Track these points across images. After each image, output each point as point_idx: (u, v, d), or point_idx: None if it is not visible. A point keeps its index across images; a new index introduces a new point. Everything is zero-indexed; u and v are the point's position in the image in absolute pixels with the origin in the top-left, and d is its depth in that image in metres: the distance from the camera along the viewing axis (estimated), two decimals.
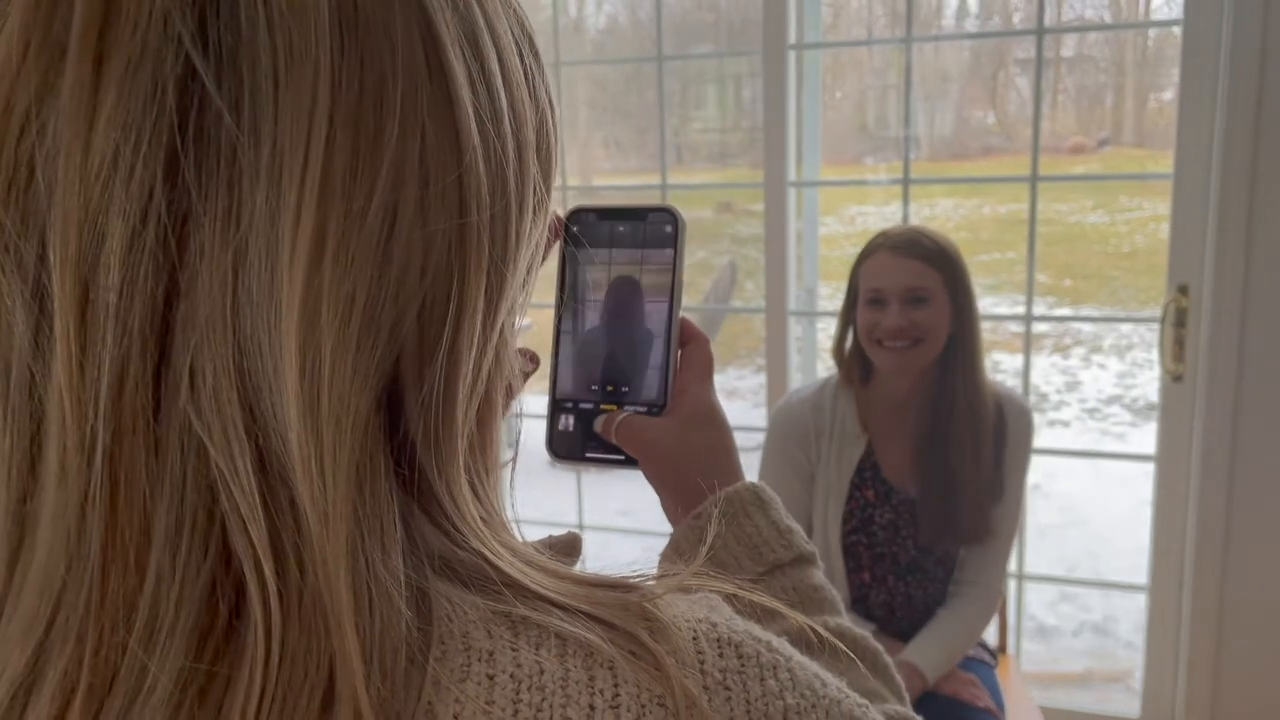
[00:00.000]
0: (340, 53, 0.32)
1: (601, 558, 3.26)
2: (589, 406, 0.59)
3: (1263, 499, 2.12)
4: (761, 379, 2.63)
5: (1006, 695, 1.65)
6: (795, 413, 1.61)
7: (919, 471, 1.57)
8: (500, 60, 0.36)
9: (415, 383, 0.35)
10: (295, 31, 0.31)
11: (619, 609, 0.36)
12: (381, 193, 0.33)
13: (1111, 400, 6.38)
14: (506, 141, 0.36)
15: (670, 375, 0.57)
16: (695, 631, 0.36)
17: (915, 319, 1.51)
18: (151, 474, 0.31)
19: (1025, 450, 1.61)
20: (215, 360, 0.31)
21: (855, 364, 1.59)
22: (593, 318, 0.57)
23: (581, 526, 2.92)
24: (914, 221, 1.74)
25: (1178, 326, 2.18)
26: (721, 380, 7.24)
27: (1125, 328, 7.64)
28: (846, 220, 12.68)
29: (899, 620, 1.63)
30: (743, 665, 0.35)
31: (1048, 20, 2.33)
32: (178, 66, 0.31)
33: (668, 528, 0.62)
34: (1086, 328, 8.05)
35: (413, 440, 0.36)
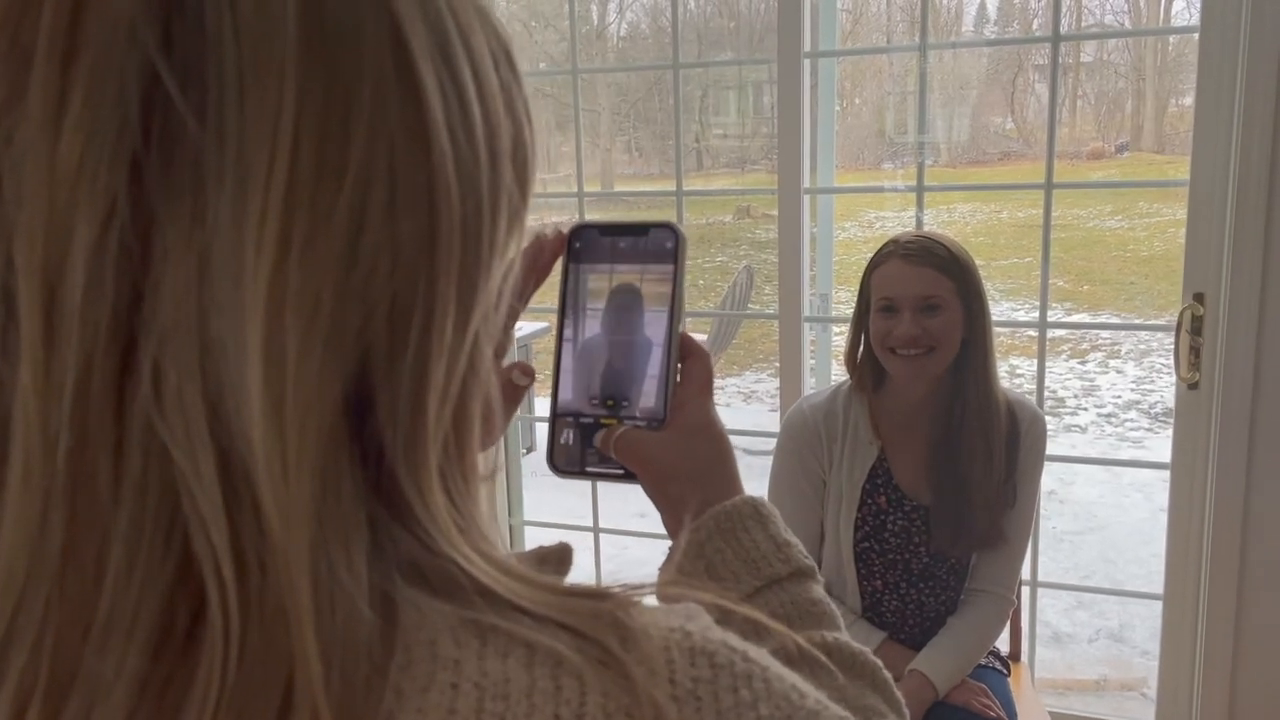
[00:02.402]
0: (307, 59, 0.32)
1: (618, 559, 3.28)
2: (589, 420, 0.60)
3: (1279, 506, 2.11)
4: (778, 383, 2.64)
5: (1019, 704, 1.65)
6: (808, 419, 1.62)
7: (931, 478, 1.58)
8: (474, 70, 0.37)
9: (385, 385, 0.35)
10: (261, 38, 0.32)
11: (590, 617, 0.35)
12: (348, 195, 0.33)
13: (1129, 406, 6.35)
14: (479, 149, 0.37)
15: (670, 389, 0.58)
16: (667, 640, 0.35)
17: (928, 327, 1.51)
18: (113, 476, 0.31)
19: (1038, 457, 1.61)
20: (179, 362, 0.31)
21: (867, 371, 1.60)
22: (593, 331, 0.58)
23: (597, 529, 2.93)
24: (931, 226, 1.74)
25: (1193, 334, 2.17)
26: (739, 383, 7.24)
27: (1144, 333, 7.59)
28: (865, 225, 12.65)
29: (911, 628, 1.63)
30: (715, 675, 0.35)
31: (1067, 26, 2.33)
32: (142, 73, 0.31)
33: None
34: (1104, 333, 8.01)
35: (384, 444, 0.35)
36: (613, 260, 0.56)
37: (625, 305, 0.57)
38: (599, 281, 0.57)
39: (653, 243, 0.56)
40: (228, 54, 0.31)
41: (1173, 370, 2.19)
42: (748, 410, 6.52)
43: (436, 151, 0.35)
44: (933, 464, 1.58)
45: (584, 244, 0.57)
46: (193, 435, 0.31)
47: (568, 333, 0.58)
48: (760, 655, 0.37)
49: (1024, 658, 1.93)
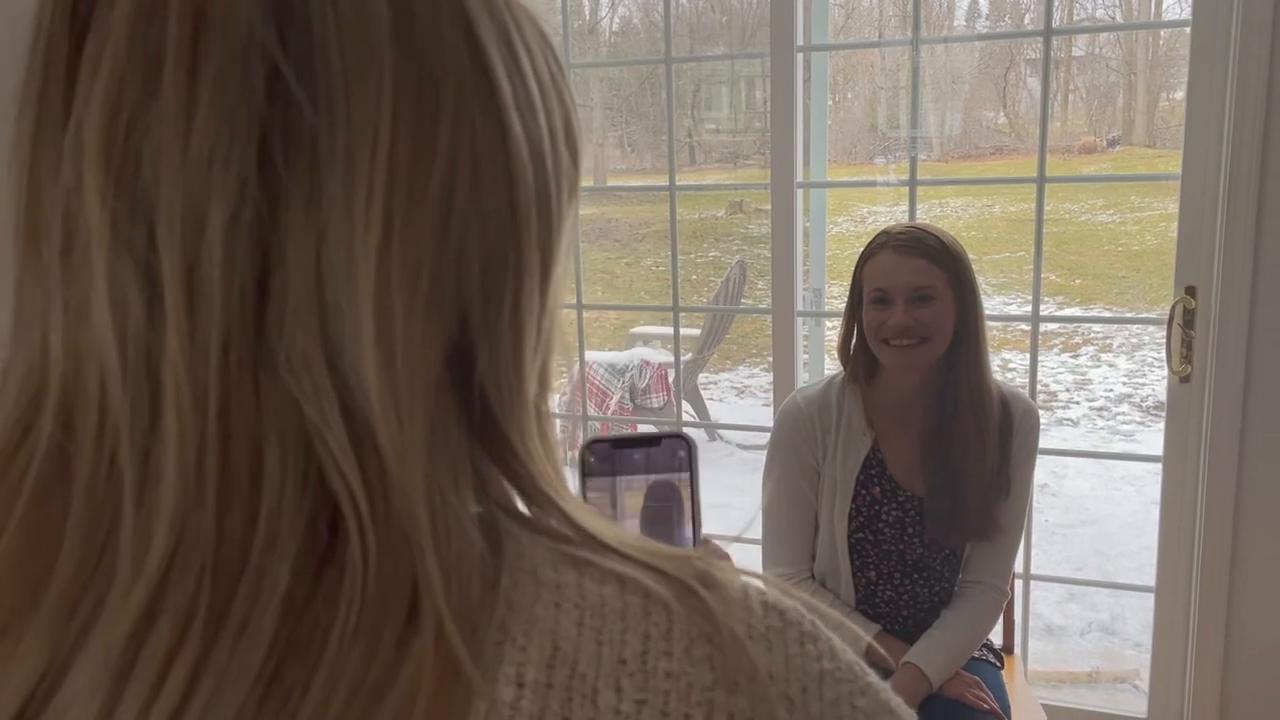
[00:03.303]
0: (399, 54, 0.36)
1: None
2: None
3: (1271, 500, 2.12)
4: (772, 377, 2.64)
5: (1012, 697, 1.66)
6: (801, 411, 1.62)
7: (925, 468, 1.58)
8: (531, 61, 0.41)
9: (484, 341, 0.39)
10: (360, 35, 0.36)
11: (676, 561, 0.39)
12: (438, 176, 0.37)
13: (1121, 399, 6.37)
14: (541, 129, 0.41)
15: None
16: (746, 589, 0.39)
17: (920, 317, 1.51)
18: (257, 426, 0.35)
19: (1031, 448, 1.62)
20: (304, 326, 0.35)
21: (860, 362, 1.60)
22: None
23: None
24: (923, 220, 1.74)
25: (1185, 327, 2.18)
26: (733, 378, 7.24)
27: (1135, 326, 7.62)
28: (857, 219, 12.66)
29: (904, 619, 1.64)
30: (785, 626, 0.39)
31: (1059, 21, 2.34)
32: (264, 67, 0.35)
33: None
34: (1096, 326, 8.03)
35: (486, 394, 0.40)
36: (628, 472, 0.57)
37: (647, 516, 0.58)
38: (616, 494, 0.58)
39: (664, 452, 0.57)
40: (333, 50, 0.35)
41: (1164, 364, 2.20)
42: (741, 405, 6.53)
43: (511, 135, 0.39)
44: (926, 454, 1.58)
45: (597, 459, 0.59)
46: (319, 389, 0.35)
47: None
48: (826, 628, 0.41)
49: (1017, 650, 1.94)
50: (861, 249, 1.60)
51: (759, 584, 0.40)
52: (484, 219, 0.38)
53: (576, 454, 0.59)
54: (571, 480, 0.58)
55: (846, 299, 1.63)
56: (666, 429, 0.60)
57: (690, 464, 0.58)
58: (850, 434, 1.60)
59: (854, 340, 1.61)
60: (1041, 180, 2.30)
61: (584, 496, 0.59)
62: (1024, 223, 11.62)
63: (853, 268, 1.61)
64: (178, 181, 0.34)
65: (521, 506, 0.41)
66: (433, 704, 0.34)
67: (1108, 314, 8.79)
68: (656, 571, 0.39)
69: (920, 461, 1.58)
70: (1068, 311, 8.69)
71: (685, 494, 0.57)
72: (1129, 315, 8.80)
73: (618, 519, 0.58)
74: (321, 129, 0.35)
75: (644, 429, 4.93)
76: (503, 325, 0.40)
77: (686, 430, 0.58)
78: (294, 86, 0.35)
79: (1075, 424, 5.96)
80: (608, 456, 0.59)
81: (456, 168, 0.37)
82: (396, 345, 0.36)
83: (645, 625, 0.37)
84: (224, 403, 0.35)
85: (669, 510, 0.58)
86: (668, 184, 2.66)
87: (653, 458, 0.58)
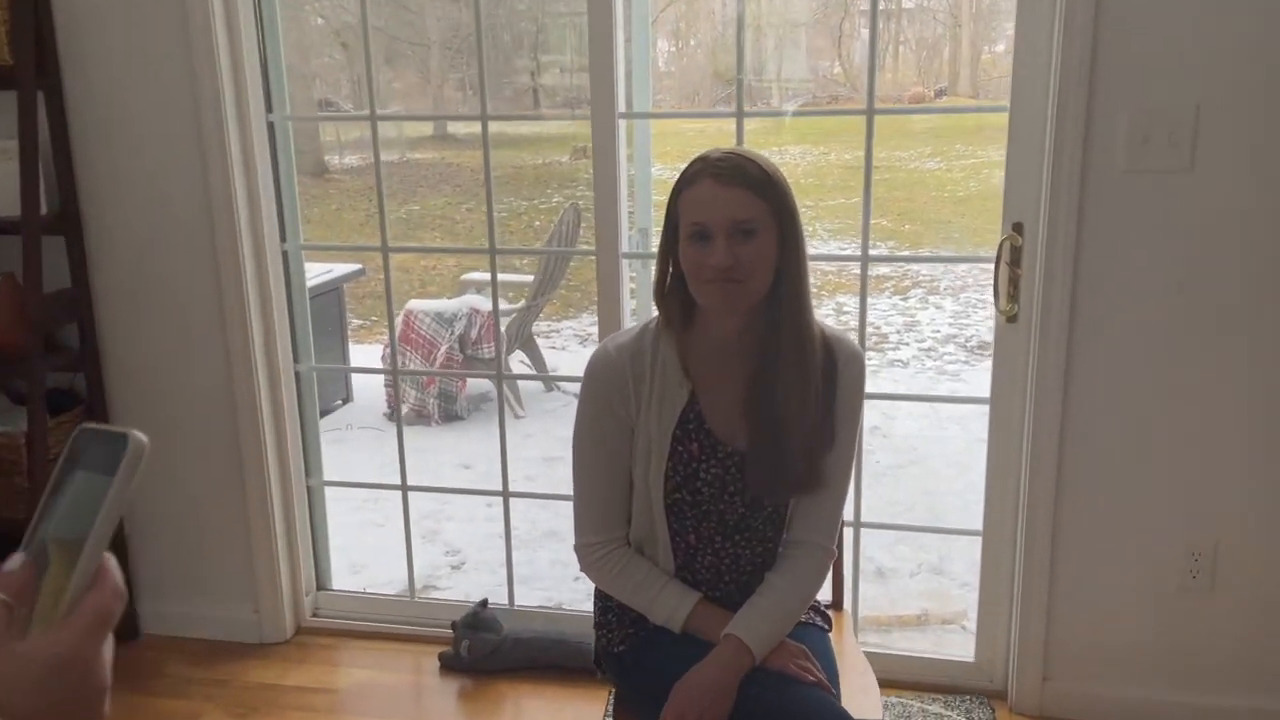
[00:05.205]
0: None
1: (437, 515, 3.06)
2: None
3: (1094, 437, 2.11)
4: (597, 321, 2.48)
5: (840, 659, 1.56)
6: (612, 360, 1.45)
7: (746, 420, 1.44)
8: None
9: None
10: None
11: None
12: None
13: (947, 340, 6.54)
14: None
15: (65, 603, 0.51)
16: None
17: (742, 254, 1.36)
18: None
19: (857, 396, 1.51)
20: None
21: (675, 305, 1.44)
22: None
23: (406, 488, 2.71)
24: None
25: (1012, 266, 2.12)
26: (576, 326, 7.06)
27: (961, 268, 7.84)
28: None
29: (727, 584, 1.51)
30: None
31: None
32: None
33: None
34: (924, 269, 8.24)
35: None
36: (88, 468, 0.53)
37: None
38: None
39: (104, 452, 0.53)
40: None
41: (988, 305, 2.15)
42: (585, 353, 6.32)
43: None
44: (747, 404, 1.44)
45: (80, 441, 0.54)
46: None
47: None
48: None
49: (847, 605, 1.85)
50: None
51: None
52: None
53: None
54: None
55: (661, 234, 1.46)
56: (121, 428, 0.48)
57: (117, 468, 0.51)
58: (666, 385, 1.44)
59: (668, 281, 1.45)
60: (870, 112, 2.20)
61: (55, 487, 0.53)
62: (857, 169, 11.73)
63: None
64: None
65: None
66: None
67: (938, 255, 9.04)
68: None
69: (741, 412, 1.44)
70: (902, 253, 8.89)
71: (106, 497, 0.51)
72: (956, 255, 9.05)
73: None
74: None
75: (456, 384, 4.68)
76: None
77: (137, 432, 0.51)
78: None
79: (905, 365, 6.09)
80: (88, 442, 0.53)
81: None
82: None
83: None
84: None
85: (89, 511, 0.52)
86: (494, 127, 2.43)
87: (90, 455, 0.52)
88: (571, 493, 1.53)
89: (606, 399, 1.45)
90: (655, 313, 1.48)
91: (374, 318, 7.05)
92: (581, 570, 1.53)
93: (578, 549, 1.52)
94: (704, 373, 1.45)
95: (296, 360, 2.62)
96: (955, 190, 11.68)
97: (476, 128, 2.41)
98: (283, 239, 2.53)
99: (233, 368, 2.48)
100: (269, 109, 2.45)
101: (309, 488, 2.69)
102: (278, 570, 2.61)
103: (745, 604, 1.46)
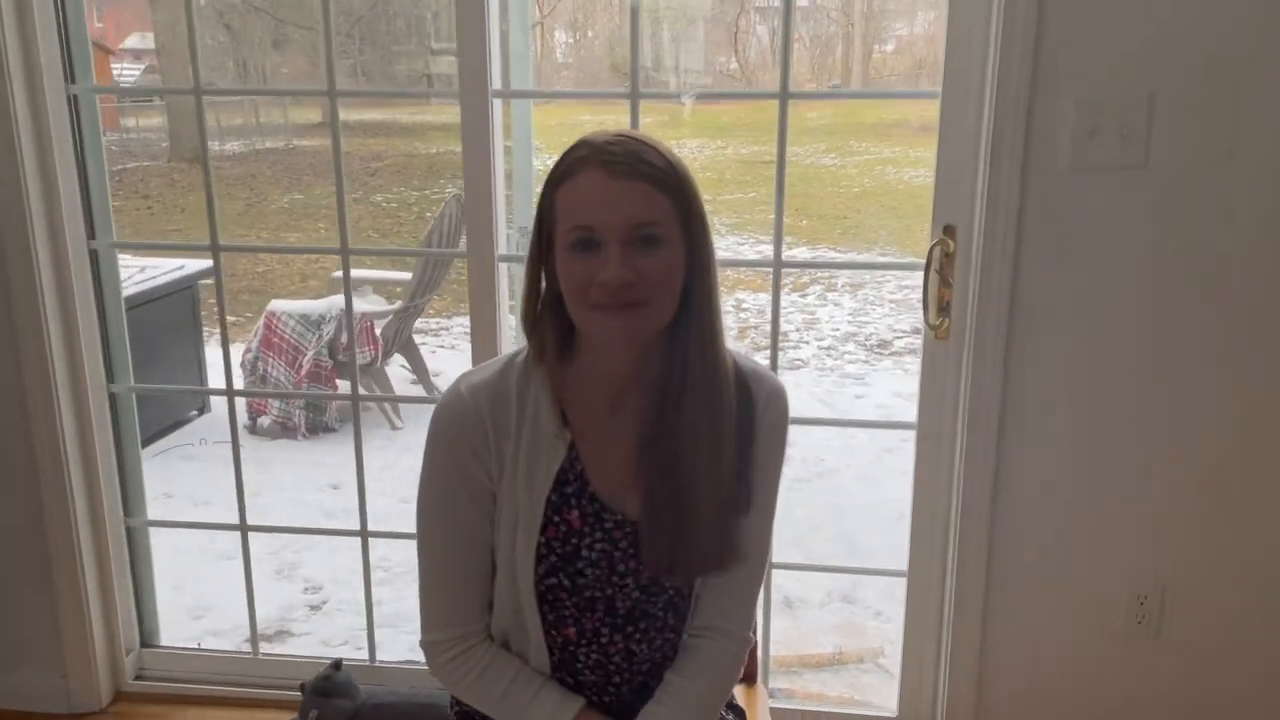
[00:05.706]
0: None
1: (289, 549, 2.62)
2: None
3: (1033, 470, 1.87)
4: (470, 338, 2.14)
5: None
6: (466, 406, 1.11)
7: (642, 480, 1.12)
8: None
9: None
10: None
11: None
12: None
13: (847, 338, 6.40)
14: None
15: None
16: None
17: (644, 268, 1.04)
18: None
19: (779, 447, 1.21)
20: None
21: (550, 332, 1.11)
22: None
23: (245, 527, 2.32)
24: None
25: (942, 274, 1.87)
26: (467, 323, 6.67)
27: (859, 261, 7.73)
28: None
29: (618, 687, 1.19)
30: None
31: None
32: None
33: None
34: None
35: None
36: None
37: None
38: None
39: None
40: None
41: (884, 303, 1.89)
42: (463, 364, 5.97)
43: None
44: (643, 461, 1.12)
45: None
46: None
47: None
48: None
49: (759, 680, 1.56)
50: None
51: None
52: None
53: None
54: None
55: (531, 240, 1.12)
56: None
57: None
58: (537, 437, 1.11)
59: (539, 301, 1.12)
60: (784, 95, 1.92)
61: None
62: (755, 164, 11.75)
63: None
64: None
65: None
66: None
67: (834, 254, 8.92)
68: None
69: (634, 471, 1.12)
70: (797, 251, 8.73)
71: None
72: (887, 260, 8.85)
73: None
74: None
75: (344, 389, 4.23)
76: None
77: None
78: None
79: (806, 364, 5.91)
80: None
81: None
82: None
83: None
84: None
85: None
86: (393, 118, 2.07)
87: None
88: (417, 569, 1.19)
89: (458, 457, 1.11)
90: (524, 341, 1.15)
91: (248, 315, 6.53)
92: (431, 674, 1.19)
93: (424, 647, 1.19)
94: (587, 421, 1.13)
95: (112, 379, 2.20)
96: (850, 186, 11.70)
97: (367, 115, 2.05)
98: (91, 235, 2.12)
99: (27, 390, 2.06)
100: (71, 79, 2.04)
101: (129, 528, 2.28)
102: (89, 627, 2.19)
103: (641, 712, 1.15)
